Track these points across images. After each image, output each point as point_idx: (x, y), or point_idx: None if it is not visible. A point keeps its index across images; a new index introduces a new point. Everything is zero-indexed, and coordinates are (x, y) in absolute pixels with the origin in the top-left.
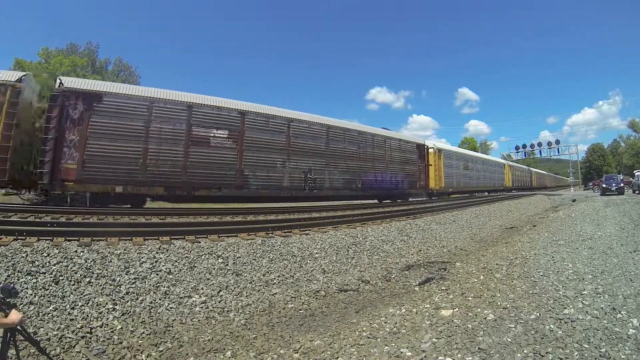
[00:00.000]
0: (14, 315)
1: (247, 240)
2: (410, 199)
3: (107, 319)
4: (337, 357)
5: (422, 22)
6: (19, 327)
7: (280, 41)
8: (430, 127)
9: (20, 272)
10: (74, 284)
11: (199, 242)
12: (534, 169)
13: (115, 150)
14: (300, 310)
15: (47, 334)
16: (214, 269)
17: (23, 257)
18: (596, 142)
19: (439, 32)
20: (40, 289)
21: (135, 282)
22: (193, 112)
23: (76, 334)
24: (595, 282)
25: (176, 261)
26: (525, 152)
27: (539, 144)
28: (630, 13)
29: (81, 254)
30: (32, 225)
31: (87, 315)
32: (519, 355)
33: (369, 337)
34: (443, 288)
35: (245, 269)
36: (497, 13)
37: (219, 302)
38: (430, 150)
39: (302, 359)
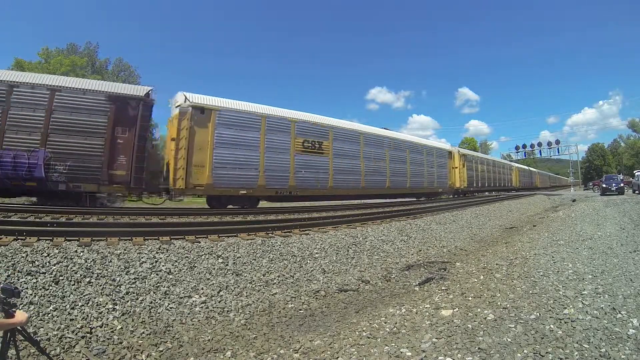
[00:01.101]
0: (20, 316)
1: (247, 240)
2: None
3: (107, 319)
4: (337, 357)
5: (422, 22)
6: (19, 327)
7: (281, 41)
8: (431, 127)
9: (20, 272)
10: (74, 284)
11: (199, 242)
12: (516, 164)
13: None
14: (300, 310)
15: (47, 334)
16: (214, 269)
17: (23, 257)
18: (596, 142)
19: (439, 32)
20: (40, 289)
21: (135, 282)
22: None
23: (76, 334)
24: (595, 282)
25: (176, 261)
26: (525, 152)
27: (539, 144)
28: (630, 13)
29: (81, 254)
30: (32, 225)
31: (87, 315)
32: (519, 355)
33: (369, 337)
34: (443, 288)
35: (245, 269)
36: (497, 13)
37: (219, 302)
38: (181, 111)
39: (302, 359)
